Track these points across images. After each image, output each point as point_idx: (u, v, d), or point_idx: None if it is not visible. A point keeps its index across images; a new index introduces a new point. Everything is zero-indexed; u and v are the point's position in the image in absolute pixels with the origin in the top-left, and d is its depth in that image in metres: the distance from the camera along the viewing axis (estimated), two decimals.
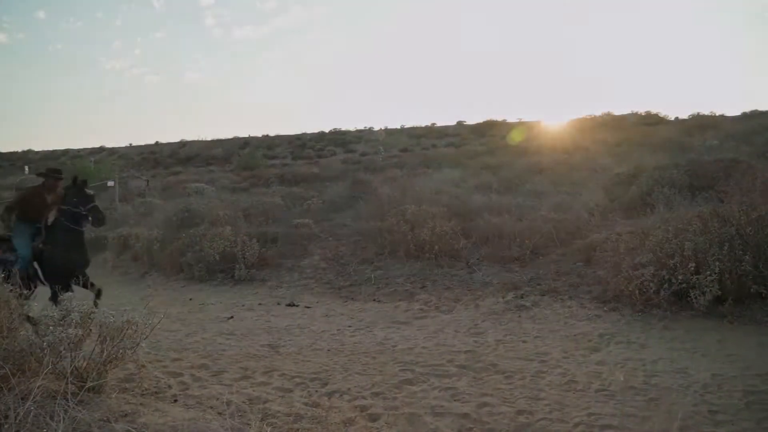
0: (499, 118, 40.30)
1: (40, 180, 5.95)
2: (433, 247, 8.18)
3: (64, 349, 3.24)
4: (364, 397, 3.94)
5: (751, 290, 5.21)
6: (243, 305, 7.24)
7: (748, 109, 31.25)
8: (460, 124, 43.80)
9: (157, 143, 49.34)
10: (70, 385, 3.03)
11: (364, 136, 41.35)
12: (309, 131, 45.68)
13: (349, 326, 5.99)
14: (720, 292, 5.25)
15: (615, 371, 4.20)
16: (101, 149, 47.99)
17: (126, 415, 3.13)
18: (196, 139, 44.97)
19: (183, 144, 45.24)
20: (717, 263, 5.27)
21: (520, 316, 5.91)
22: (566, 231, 8.28)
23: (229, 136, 47.40)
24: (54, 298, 5.44)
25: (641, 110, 33.07)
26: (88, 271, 5.70)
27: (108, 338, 3.61)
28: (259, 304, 7.31)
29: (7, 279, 5.33)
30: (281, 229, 10.26)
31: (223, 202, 12.25)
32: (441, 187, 12.12)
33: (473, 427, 3.41)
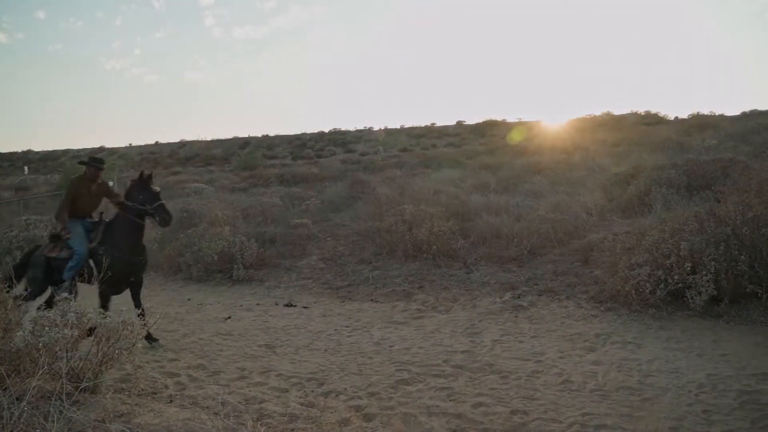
0: (499, 118, 40.34)
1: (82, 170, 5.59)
2: (431, 247, 8.18)
3: (60, 349, 3.25)
4: (359, 397, 3.96)
5: (747, 290, 5.23)
6: (241, 305, 7.25)
7: (747, 108, 31.29)
8: (459, 124, 43.84)
9: (156, 143, 49.41)
10: (66, 386, 3.04)
11: (363, 136, 41.38)
12: (309, 131, 45.75)
13: (347, 326, 6.00)
14: (716, 292, 5.26)
15: (610, 371, 4.21)
16: (101, 149, 48.03)
17: (121, 416, 3.14)
18: (195, 139, 45.03)
19: (183, 144, 45.30)
20: (713, 263, 5.28)
21: (517, 316, 5.92)
22: (564, 231, 8.28)
23: (229, 136, 47.51)
24: (104, 303, 5.18)
25: (641, 110, 33.12)
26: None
27: (104, 338, 3.63)
28: (257, 304, 7.31)
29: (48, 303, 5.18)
30: (280, 230, 10.27)
31: (221, 203, 12.26)
32: (440, 187, 12.13)
33: (468, 427, 3.43)
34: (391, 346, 5.19)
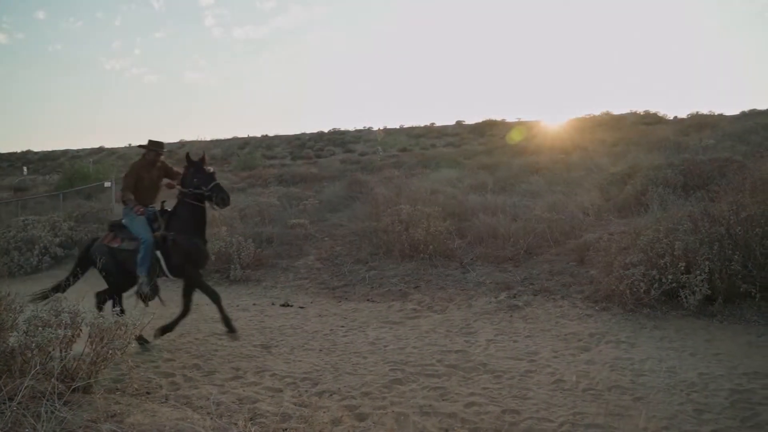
0: (499, 118, 40.29)
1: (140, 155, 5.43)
2: (427, 247, 8.20)
3: (53, 349, 3.27)
4: (353, 397, 3.97)
5: (741, 289, 5.24)
6: (237, 305, 7.25)
7: (747, 108, 31.31)
8: (459, 123, 43.78)
9: None
10: (59, 386, 3.05)
11: (363, 136, 41.35)
12: (308, 131, 45.70)
13: (342, 326, 6.01)
14: (710, 292, 5.28)
15: (603, 370, 4.22)
16: (101, 149, 47.97)
17: (114, 416, 3.16)
18: (195, 139, 45.00)
19: (182, 144, 45.26)
20: (707, 263, 5.29)
21: (512, 316, 5.93)
22: (560, 231, 8.30)
23: (228, 136, 47.49)
24: (200, 285, 5.09)
25: (640, 110, 33.10)
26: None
27: (98, 339, 3.64)
28: (254, 304, 7.33)
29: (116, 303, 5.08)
30: (277, 230, 10.29)
31: None
32: (437, 186, 12.13)
33: (460, 427, 3.44)
34: (385, 346, 5.21)
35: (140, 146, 5.60)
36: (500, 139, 30.06)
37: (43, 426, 2.59)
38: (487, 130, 37.74)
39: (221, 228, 9.53)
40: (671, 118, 32.20)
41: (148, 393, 4.00)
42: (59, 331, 3.38)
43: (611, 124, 29.87)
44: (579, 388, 3.92)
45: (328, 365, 4.71)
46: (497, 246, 8.28)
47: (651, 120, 31.02)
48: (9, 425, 2.48)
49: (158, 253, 5.11)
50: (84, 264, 5.51)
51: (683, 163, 9.50)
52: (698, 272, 5.29)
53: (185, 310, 5.36)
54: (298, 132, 45.89)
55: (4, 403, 2.61)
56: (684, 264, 5.40)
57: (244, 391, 4.12)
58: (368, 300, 7.15)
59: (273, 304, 7.29)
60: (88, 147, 48.65)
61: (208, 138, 44.02)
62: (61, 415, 2.71)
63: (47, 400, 2.74)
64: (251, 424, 3.26)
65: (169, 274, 5.20)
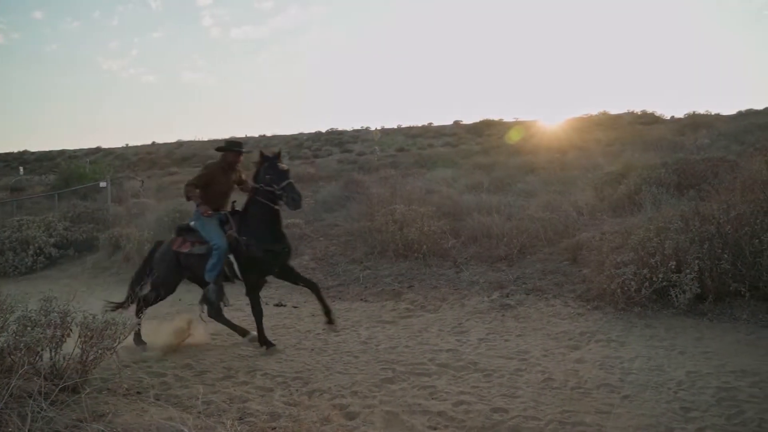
0: (496, 118, 40.33)
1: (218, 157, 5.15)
2: (421, 247, 8.22)
3: (42, 349, 3.28)
4: (343, 396, 3.99)
5: (731, 288, 5.27)
6: (231, 305, 7.24)
7: (744, 107, 31.39)
8: (456, 123, 43.80)
9: (153, 143, 49.27)
10: (47, 385, 3.06)
11: (360, 135, 41.33)
12: (306, 131, 45.68)
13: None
14: (700, 290, 5.31)
15: (592, 369, 4.25)
16: (98, 150, 47.87)
17: (102, 416, 3.17)
18: (192, 139, 44.95)
19: (180, 144, 45.20)
20: (697, 261, 5.32)
21: (504, 315, 5.95)
22: (554, 230, 8.32)
23: (226, 136, 47.43)
24: (252, 296, 4.94)
25: (637, 109, 33.19)
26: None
27: (88, 338, 3.65)
28: (247, 304, 7.31)
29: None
30: None
31: None
32: (433, 186, 12.15)
33: (448, 425, 3.46)
34: (377, 345, 5.22)
35: (218, 149, 5.29)
36: (497, 138, 30.10)
37: (32, 425, 2.60)
38: (485, 129, 37.78)
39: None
40: (668, 117, 32.29)
41: (138, 393, 4.02)
42: (48, 331, 3.39)
43: (608, 123, 29.93)
44: (568, 387, 3.94)
45: (319, 364, 4.73)
46: (491, 245, 8.30)
47: (648, 120, 31.10)
48: None
49: (230, 257, 4.89)
50: (146, 272, 5.36)
51: (677, 163, 9.53)
52: (688, 271, 5.32)
53: (257, 313, 5.15)
54: (295, 132, 45.89)
55: None
56: (674, 263, 5.43)
57: (235, 390, 4.13)
58: (362, 299, 7.16)
59: (266, 303, 7.26)
60: (86, 147, 48.54)
61: (206, 138, 43.96)
62: (48, 414, 2.72)
63: (33, 400, 2.75)
64: (239, 423, 3.28)
65: (241, 277, 5.02)
